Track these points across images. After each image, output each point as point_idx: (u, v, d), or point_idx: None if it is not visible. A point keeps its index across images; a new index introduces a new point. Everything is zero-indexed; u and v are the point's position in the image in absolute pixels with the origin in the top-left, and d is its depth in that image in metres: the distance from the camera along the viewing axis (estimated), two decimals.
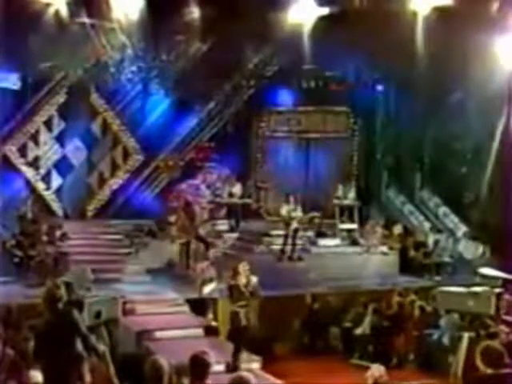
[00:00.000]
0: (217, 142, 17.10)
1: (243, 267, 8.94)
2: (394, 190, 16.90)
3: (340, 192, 15.60)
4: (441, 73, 13.54)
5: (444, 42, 12.18)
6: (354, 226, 15.21)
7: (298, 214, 13.37)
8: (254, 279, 8.90)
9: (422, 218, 16.15)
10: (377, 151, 17.21)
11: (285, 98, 17.09)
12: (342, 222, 15.32)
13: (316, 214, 14.23)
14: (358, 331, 11.05)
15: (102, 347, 6.51)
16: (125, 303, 10.61)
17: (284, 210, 13.36)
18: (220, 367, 7.68)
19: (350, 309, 11.70)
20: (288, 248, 13.33)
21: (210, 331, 10.21)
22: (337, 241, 14.79)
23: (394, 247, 14.61)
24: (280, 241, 13.56)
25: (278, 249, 13.45)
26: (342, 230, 15.23)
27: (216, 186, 16.75)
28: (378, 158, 17.19)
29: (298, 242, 13.78)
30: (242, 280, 8.84)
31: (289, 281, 12.40)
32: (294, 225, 13.27)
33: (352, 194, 15.59)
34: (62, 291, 6.36)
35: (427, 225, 15.95)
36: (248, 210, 16.31)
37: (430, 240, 15.26)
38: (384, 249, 14.48)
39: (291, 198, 13.32)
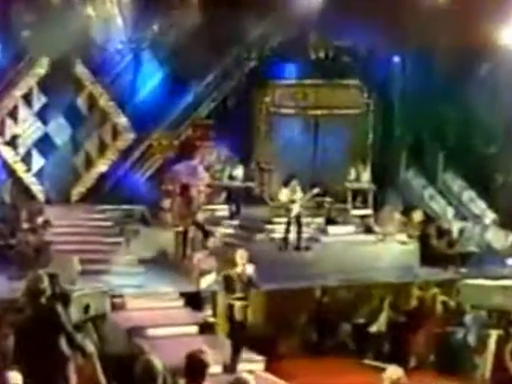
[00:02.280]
0: (216, 119, 17.07)
1: (240, 256, 8.92)
2: (413, 171, 16.84)
3: (353, 174, 15.60)
4: (466, 41, 13.43)
5: (470, 5, 12.05)
6: (369, 211, 15.24)
7: (298, 195, 13.29)
8: (250, 268, 8.86)
9: (444, 203, 16.13)
10: (394, 129, 17.16)
11: (290, 70, 17.03)
12: (355, 207, 15.35)
13: (316, 190, 13.92)
14: (373, 328, 11.08)
15: (90, 346, 6.56)
16: (114, 297, 10.66)
17: (283, 195, 13.32)
18: (218, 368, 7.69)
19: (364, 304, 11.75)
20: (292, 236, 13.35)
21: (208, 328, 10.25)
22: (349, 228, 14.79)
23: (413, 235, 14.60)
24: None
25: (281, 238, 13.53)
26: (355, 216, 15.24)
27: (215, 167, 16.77)
28: (396, 137, 17.15)
29: (305, 229, 13.80)
30: (237, 269, 8.82)
31: (295, 272, 12.43)
32: (296, 210, 13.24)
33: (366, 177, 15.58)
34: (45, 284, 6.38)
35: (451, 211, 15.94)
36: (250, 195, 16.34)
37: (455, 228, 15.26)
38: (402, 237, 14.48)
39: (293, 182, 13.33)
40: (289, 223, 13.30)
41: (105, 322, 9.81)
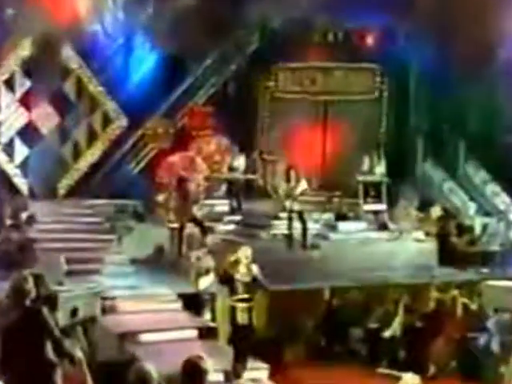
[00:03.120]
0: (215, 106, 17.09)
1: (244, 253, 8.91)
2: (431, 163, 16.82)
3: (365, 166, 15.58)
4: (488, 24, 13.38)
5: None
6: (383, 206, 15.20)
7: (298, 190, 13.30)
8: (255, 268, 8.86)
9: (466, 197, 16.11)
10: (410, 116, 17.12)
11: (297, 52, 16.99)
12: (368, 202, 15.31)
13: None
14: (387, 333, 11.09)
15: (78, 352, 6.55)
16: (105, 299, 10.73)
17: (283, 189, 13.38)
18: (219, 376, 7.71)
19: (377, 306, 11.75)
20: (296, 233, 13.37)
21: (207, 333, 10.25)
22: (361, 225, 14.81)
23: (431, 233, 14.62)
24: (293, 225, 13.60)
25: (286, 235, 13.55)
26: (368, 211, 15.24)
27: (214, 158, 16.78)
28: (412, 125, 17.11)
29: (313, 226, 13.81)
30: (241, 269, 8.81)
31: (302, 272, 12.47)
32: (290, 205, 13.25)
33: (380, 168, 15.55)
34: (30, 285, 6.38)
35: (472, 206, 15.92)
36: (252, 188, 16.42)
37: (477, 224, 15.25)
38: (419, 235, 14.49)
39: (292, 173, 13.31)
40: (290, 219, 13.32)
41: (95, 326, 9.87)
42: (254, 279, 8.88)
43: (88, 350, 8.68)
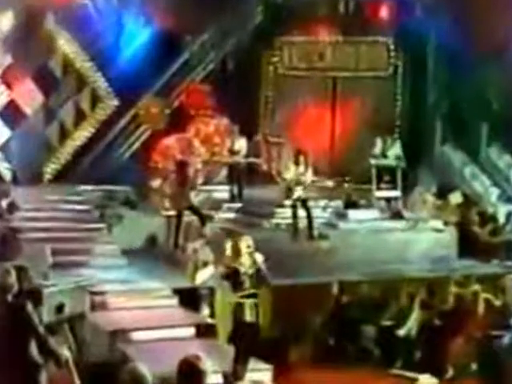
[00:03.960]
0: (214, 84, 17.09)
1: (246, 244, 8.89)
2: (451, 146, 16.79)
3: (378, 148, 15.54)
4: None
5: None
6: (397, 193, 15.18)
7: (308, 178, 13.30)
8: (260, 258, 8.84)
9: (488, 182, 16.08)
10: (428, 95, 17.08)
11: (304, 25, 16.93)
12: (381, 188, 15.28)
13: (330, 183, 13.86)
14: (402, 332, 11.08)
15: (65, 352, 6.57)
16: (94, 294, 10.74)
17: (291, 173, 13.34)
18: (217, 378, 7.70)
19: (391, 302, 11.72)
20: (302, 223, 13.37)
21: (206, 331, 10.27)
22: (373, 213, 14.81)
23: (450, 221, 14.61)
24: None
25: (291, 224, 13.56)
26: (381, 198, 15.24)
27: (213, 140, 16.79)
28: (430, 104, 17.06)
29: (321, 214, 13.85)
30: (244, 261, 8.80)
31: (308, 265, 12.48)
32: (299, 192, 13.26)
33: (394, 152, 15.52)
34: (13, 279, 6.39)
35: (496, 192, 15.90)
36: (255, 173, 16.39)
37: (500, 212, 15.23)
38: (437, 224, 14.48)
39: (301, 158, 13.32)
40: (294, 207, 13.34)
41: (83, 323, 9.93)
42: (258, 270, 8.85)
43: (75, 350, 8.71)
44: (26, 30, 15.28)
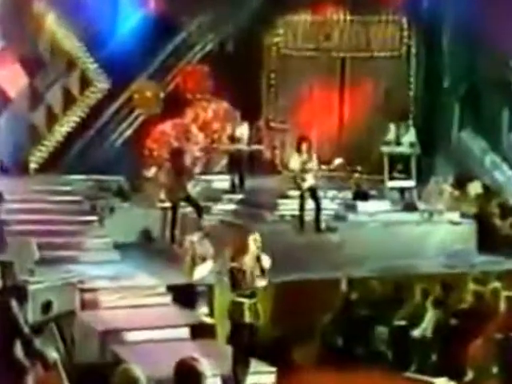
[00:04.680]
0: (212, 65, 17.08)
1: (254, 241, 8.89)
2: (469, 132, 16.70)
3: (391, 135, 15.51)
4: None
5: None
6: (411, 183, 15.16)
7: (313, 165, 13.33)
8: (267, 260, 8.85)
9: (510, 172, 16.02)
10: (444, 76, 16.99)
11: (309, 3, 16.93)
12: (393, 177, 15.25)
13: (340, 160, 13.96)
14: (416, 332, 11.05)
15: (53, 353, 6.57)
16: (84, 291, 10.71)
17: (295, 163, 13.36)
18: (217, 381, 7.70)
19: (404, 300, 11.69)
20: (308, 214, 13.36)
21: (204, 331, 10.24)
22: (385, 204, 14.80)
23: (468, 213, 14.60)
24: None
25: (296, 216, 13.56)
26: (393, 188, 15.23)
27: (212, 126, 16.80)
28: (447, 87, 16.98)
29: (329, 205, 13.83)
30: (250, 261, 8.80)
31: (315, 260, 12.47)
32: (309, 182, 13.26)
33: (408, 138, 15.50)
34: None
35: None
36: (257, 161, 16.41)
37: None
38: (454, 216, 14.47)
39: (304, 146, 13.32)
40: (302, 198, 13.35)
41: (72, 322, 9.94)
42: (261, 271, 8.86)
43: (64, 351, 8.72)
44: (13, 9, 15.25)
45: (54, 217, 13.35)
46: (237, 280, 8.86)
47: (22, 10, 15.33)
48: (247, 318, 8.78)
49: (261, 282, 8.83)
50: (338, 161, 14.03)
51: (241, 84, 16.52)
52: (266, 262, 8.92)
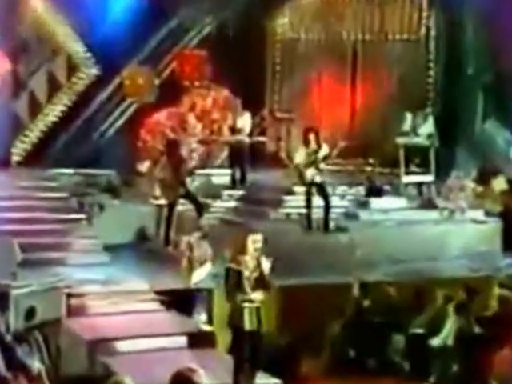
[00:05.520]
0: (211, 50, 17.07)
1: (253, 242, 8.86)
2: (494, 122, 16.75)
3: (407, 125, 15.53)
4: None
5: None
6: (429, 178, 15.19)
7: (321, 155, 13.29)
8: (266, 264, 8.81)
9: None
10: (467, 62, 16.97)
11: None
12: (410, 172, 15.28)
13: (343, 144, 13.92)
14: (436, 341, 11.05)
15: (37, 364, 6.55)
16: (71, 297, 10.68)
17: (301, 156, 13.37)
18: None
19: (422, 306, 11.68)
20: (316, 212, 13.36)
21: (202, 339, 10.22)
22: (401, 201, 14.81)
23: (493, 211, 14.59)
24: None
25: (303, 215, 13.57)
26: (410, 184, 15.26)
27: (211, 116, 16.80)
28: (470, 74, 16.97)
29: (339, 202, 13.86)
30: (249, 262, 8.77)
31: (324, 263, 12.46)
32: (311, 175, 13.25)
33: (426, 129, 15.52)
34: None
35: None
36: (260, 154, 16.45)
37: None
38: (478, 214, 14.48)
39: (312, 137, 13.31)
40: (308, 194, 13.37)
41: (58, 330, 9.92)
42: (261, 275, 8.82)
43: (49, 362, 8.70)
44: None
45: (38, 215, 13.33)
46: (231, 282, 8.83)
47: None
48: (247, 324, 8.74)
49: (255, 294, 8.73)
50: (341, 144, 13.96)
51: (242, 70, 16.54)
52: (266, 266, 8.84)
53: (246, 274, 8.74)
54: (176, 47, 17.15)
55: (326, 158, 13.41)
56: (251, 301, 8.75)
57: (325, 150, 13.37)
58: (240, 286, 8.72)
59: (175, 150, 13.81)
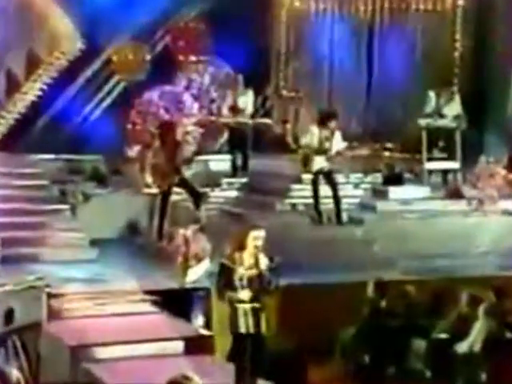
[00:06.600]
0: (210, 21, 17.15)
1: (255, 239, 8.87)
2: None
3: (431, 105, 15.52)
4: None
5: None
6: (455, 164, 15.24)
7: (334, 145, 13.35)
8: (265, 262, 8.83)
9: None
10: (498, 36, 16.93)
11: None
12: (433, 157, 15.30)
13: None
14: (462, 347, 11.06)
15: (14, 372, 6.59)
16: (53, 297, 10.73)
17: (312, 138, 13.43)
18: None
19: (446, 308, 11.69)
20: (327, 203, 13.43)
21: (199, 345, 10.26)
22: (423, 190, 14.87)
23: None
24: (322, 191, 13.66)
25: (313, 206, 13.63)
26: (434, 171, 15.32)
27: (210, 95, 16.86)
28: (501, 49, 16.91)
29: (352, 192, 14.03)
30: (245, 259, 8.78)
31: (335, 259, 12.51)
32: (320, 164, 13.32)
33: (453, 110, 15.56)
34: None
35: None
36: (265, 138, 16.51)
37: None
38: (509, 205, 14.51)
39: (333, 124, 13.39)
40: (315, 183, 13.44)
41: (38, 335, 9.93)
42: (259, 275, 8.84)
43: (28, 369, 8.72)
44: None
45: (14, 205, 13.30)
46: (221, 280, 8.85)
47: None
48: (242, 327, 8.77)
49: (243, 293, 8.75)
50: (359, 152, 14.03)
51: (244, 44, 16.61)
52: (264, 265, 8.86)
53: (240, 271, 8.76)
54: (171, 19, 17.17)
55: (339, 153, 13.53)
56: (242, 301, 8.77)
57: (337, 141, 13.41)
58: (231, 283, 8.75)
59: (169, 132, 13.83)
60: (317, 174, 13.42)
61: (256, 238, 8.85)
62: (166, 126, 14.15)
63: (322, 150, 13.38)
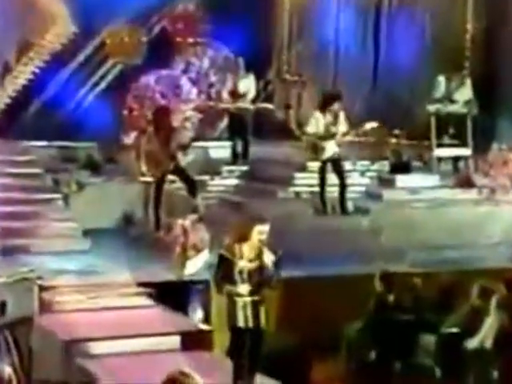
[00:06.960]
0: (208, 2, 17.16)
1: (259, 233, 8.85)
2: None
3: (440, 90, 15.52)
4: None
5: None
6: (466, 151, 15.22)
7: (339, 129, 13.38)
8: (270, 257, 8.80)
9: None
10: (511, 17, 16.84)
11: None
12: (443, 144, 15.27)
13: (373, 124, 14.00)
14: (473, 343, 11.01)
15: (6, 368, 6.59)
16: (45, 290, 10.74)
17: (318, 125, 13.41)
18: None
19: (456, 302, 11.66)
20: (332, 191, 13.44)
21: (197, 340, 10.23)
22: (432, 179, 14.89)
23: None
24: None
25: (317, 194, 13.65)
26: (443, 158, 15.31)
27: (209, 79, 16.87)
28: None
29: (358, 180, 14.04)
30: (246, 252, 8.77)
31: (340, 251, 12.51)
32: (330, 151, 13.32)
33: (463, 94, 15.54)
34: None
35: None
36: (266, 123, 16.52)
37: None
38: None
39: (336, 107, 13.37)
40: (322, 170, 13.44)
41: (30, 329, 9.92)
42: (260, 269, 8.83)
43: (20, 365, 8.71)
44: None
45: (6, 195, 13.34)
46: (220, 272, 8.83)
47: None
48: (240, 320, 8.76)
49: (242, 286, 8.74)
50: (370, 124, 13.97)
51: (244, 26, 16.61)
52: (269, 260, 8.84)
53: (241, 264, 8.75)
54: (166, 4, 17.19)
55: (345, 134, 13.51)
56: (240, 294, 8.76)
57: (343, 126, 13.42)
58: (230, 276, 8.74)
59: (164, 118, 13.81)
60: (325, 161, 13.41)
61: (261, 232, 8.84)
62: (161, 111, 14.12)
63: (329, 136, 13.36)
